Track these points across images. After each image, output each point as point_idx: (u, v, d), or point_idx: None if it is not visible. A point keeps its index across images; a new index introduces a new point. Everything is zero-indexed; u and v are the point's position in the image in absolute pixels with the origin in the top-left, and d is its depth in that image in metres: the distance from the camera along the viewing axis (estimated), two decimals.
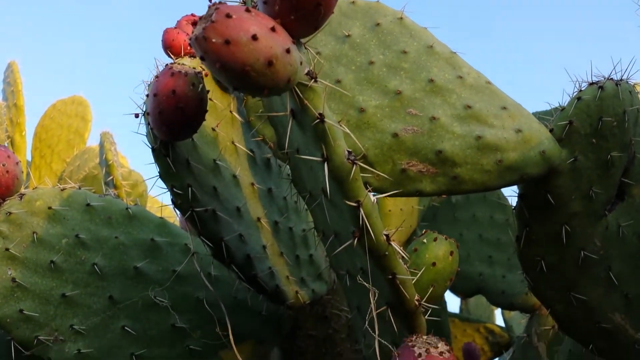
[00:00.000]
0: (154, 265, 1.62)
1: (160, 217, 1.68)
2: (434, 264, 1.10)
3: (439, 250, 1.12)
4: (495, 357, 3.69)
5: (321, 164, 0.84)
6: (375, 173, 1.18)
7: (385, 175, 1.14)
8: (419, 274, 1.07)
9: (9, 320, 1.42)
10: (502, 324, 3.96)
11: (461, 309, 4.41)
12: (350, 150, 0.84)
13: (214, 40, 0.71)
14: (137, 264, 1.59)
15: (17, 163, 1.51)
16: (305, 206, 1.74)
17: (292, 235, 1.63)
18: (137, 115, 1.26)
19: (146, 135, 1.27)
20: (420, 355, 0.81)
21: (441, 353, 0.82)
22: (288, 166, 1.24)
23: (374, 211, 0.87)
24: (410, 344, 0.83)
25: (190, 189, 1.25)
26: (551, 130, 1.29)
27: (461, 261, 2.45)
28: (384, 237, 0.88)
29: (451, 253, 1.13)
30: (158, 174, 1.27)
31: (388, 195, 1.20)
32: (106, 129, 2.63)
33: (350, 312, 1.27)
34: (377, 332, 0.76)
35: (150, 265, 1.61)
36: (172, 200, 1.27)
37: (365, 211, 0.85)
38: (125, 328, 1.54)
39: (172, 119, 1.15)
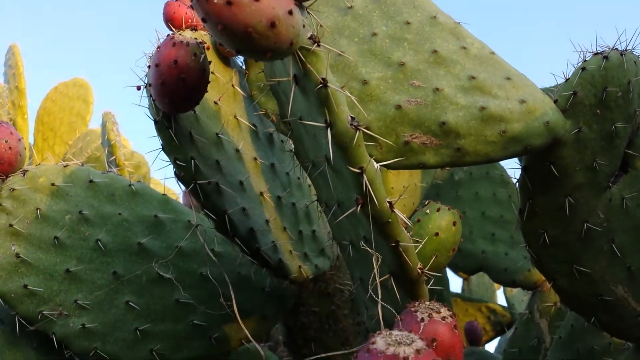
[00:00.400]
0: (158, 241, 1.62)
1: (163, 194, 1.68)
2: (437, 234, 1.10)
3: (442, 220, 1.12)
4: (497, 337, 3.71)
5: (324, 130, 0.83)
6: (379, 143, 1.18)
7: (389, 142, 1.13)
8: (421, 244, 1.07)
9: (13, 296, 1.43)
10: (505, 303, 3.98)
11: (463, 289, 4.43)
12: (353, 116, 0.84)
13: (215, 1, 0.70)
14: (140, 240, 1.59)
15: (19, 140, 1.51)
16: (309, 182, 1.74)
17: (295, 211, 1.63)
18: (139, 88, 1.25)
19: (148, 108, 1.26)
20: (422, 320, 0.81)
21: (444, 318, 0.82)
22: (290, 140, 1.23)
23: (377, 178, 0.86)
24: (412, 309, 0.83)
25: (193, 161, 1.25)
26: (555, 101, 1.28)
27: (464, 239, 2.46)
28: (387, 204, 0.88)
29: (454, 223, 1.13)
30: (161, 147, 1.27)
31: (388, 166, 1.20)
32: (108, 110, 2.62)
33: (353, 283, 1.27)
34: (380, 297, 0.76)
35: (154, 241, 1.61)
36: (175, 173, 1.27)
37: (369, 177, 0.84)
38: (130, 303, 1.54)
39: (174, 90, 1.14)
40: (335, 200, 1.00)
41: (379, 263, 0.83)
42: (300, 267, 1.55)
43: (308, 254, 1.62)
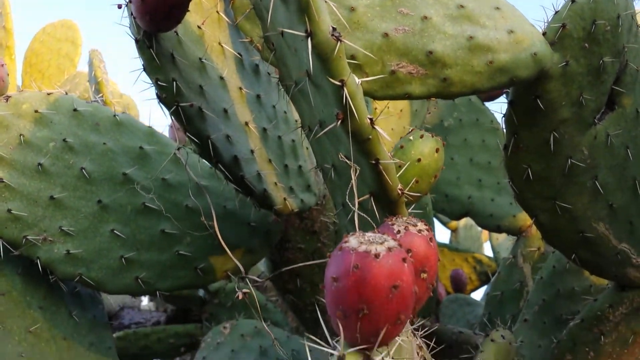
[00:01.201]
0: (143, 172, 1.62)
1: (149, 126, 1.67)
2: (419, 160, 1.10)
3: (425, 147, 1.12)
4: (482, 286, 3.76)
5: (305, 42, 0.82)
6: (365, 72, 1.17)
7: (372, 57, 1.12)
8: (403, 169, 1.07)
9: None
10: (491, 255, 4.03)
11: (451, 240, 4.48)
12: (334, 27, 0.83)
13: None
14: (125, 170, 1.59)
15: (2, 65, 1.49)
16: (296, 117, 1.73)
17: (281, 144, 1.62)
18: (120, 6, 1.23)
19: (129, 27, 1.24)
20: (399, 232, 0.82)
21: (420, 230, 0.82)
22: (275, 68, 1.22)
23: (359, 92, 0.86)
24: (389, 222, 0.84)
25: (175, 83, 1.24)
26: (544, 34, 1.27)
27: (451, 184, 2.48)
28: (368, 120, 0.88)
29: (437, 150, 1.13)
30: (142, 67, 1.25)
31: (374, 95, 1.20)
32: (95, 47, 2.58)
33: (335, 210, 1.28)
34: (356, 206, 0.77)
35: (139, 172, 1.61)
36: (157, 94, 1.26)
37: (349, 91, 0.84)
38: (115, 231, 1.55)
39: (155, 7, 1.12)
40: (317, 120, 0.99)
41: (357, 174, 0.83)
42: (285, 199, 1.55)
43: (294, 188, 1.63)
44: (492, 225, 2.40)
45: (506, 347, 1.66)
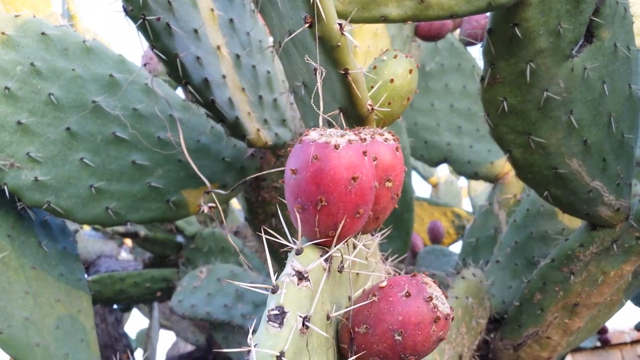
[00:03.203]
0: (113, 101, 1.58)
1: (119, 54, 1.62)
2: (392, 80, 1.08)
3: (399, 67, 1.09)
4: (460, 239, 3.80)
5: None
6: None
7: None
8: (375, 88, 1.05)
9: None
10: (471, 210, 4.06)
11: (431, 195, 4.50)
12: None
13: None
14: (95, 98, 1.55)
15: None
16: (272, 50, 1.69)
17: (256, 74, 1.59)
18: None
19: None
20: (365, 140, 0.80)
21: (386, 140, 0.80)
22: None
23: None
24: (356, 131, 0.82)
25: None
26: None
27: (430, 130, 2.47)
28: (337, 25, 0.85)
29: (410, 71, 1.10)
30: None
31: (350, 19, 1.16)
32: None
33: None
34: (321, 109, 0.74)
35: (109, 100, 1.57)
36: (123, 7, 1.21)
37: None
38: (84, 160, 1.52)
39: None
40: (286, 30, 0.96)
41: (322, 76, 0.81)
42: (258, 130, 1.53)
43: (268, 121, 1.60)
44: (470, 171, 2.40)
45: (476, 284, 1.68)
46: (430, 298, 0.65)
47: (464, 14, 1.22)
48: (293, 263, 0.63)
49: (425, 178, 4.39)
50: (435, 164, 2.47)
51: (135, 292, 2.83)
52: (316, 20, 0.83)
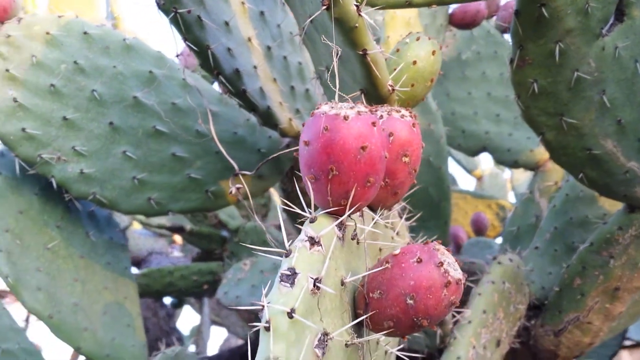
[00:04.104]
0: (153, 96, 1.64)
1: (158, 51, 1.69)
2: (414, 62, 1.09)
3: (421, 49, 1.11)
4: None
5: None
6: None
7: None
8: (396, 70, 1.07)
9: (13, 138, 1.48)
10: (515, 201, 3.99)
11: (476, 188, 4.45)
12: None
13: None
14: (135, 93, 1.62)
15: None
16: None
17: (287, 65, 1.63)
18: None
19: None
20: (382, 116, 0.82)
21: (402, 116, 0.83)
22: None
23: None
24: (374, 109, 0.84)
25: None
26: None
27: (468, 119, 2.46)
28: (354, 6, 0.87)
29: (433, 52, 1.12)
30: None
31: (374, 4, 1.18)
32: None
33: None
34: (337, 87, 0.77)
35: (149, 95, 1.64)
36: (156, 1, 1.27)
37: None
38: (127, 153, 1.59)
39: None
40: (307, 14, 0.99)
41: (338, 56, 0.83)
42: (290, 119, 1.56)
43: (300, 111, 1.63)
44: (510, 160, 2.37)
45: (513, 269, 1.67)
46: (441, 263, 0.67)
47: None
48: (306, 230, 0.66)
49: (469, 171, 4.35)
50: (474, 153, 2.45)
51: (183, 284, 2.92)
52: (332, 3, 0.86)
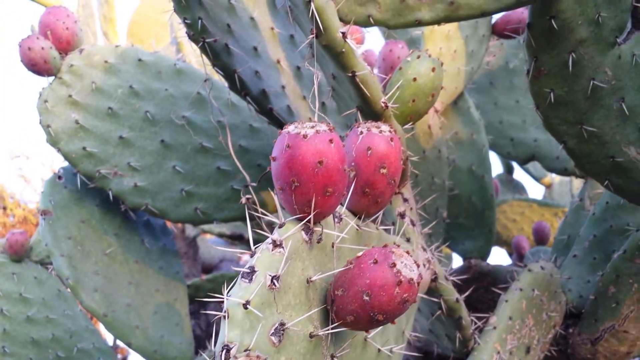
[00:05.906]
0: (200, 115, 1.80)
1: (206, 73, 1.84)
2: (414, 79, 1.17)
3: (421, 66, 1.18)
4: None
5: None
6: (378, 2, 1.24)
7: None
8: (396, 87, 1.15)
9: (74, 156, 1.67)
10: None
11: (544, 196, 4.36)
12: None
13: None
14: (185, 113, 1.77)
15: (75, 22, 1.71)
16: None
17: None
18: None
19: None
20: (362, 132, 0.91)
21: (381, 131, 0.90)
22: None
23: (328, 8, 0.95)
24: (357, 126, 0.93)
25: (200, 21, 1.38)
26: None
27: (516, 128, 2.46)
28: (340, 34, 0.97)
29: (433, 69, 1.19)
30: (173, 9, 1.42)
31: (387, 24, 1.27)
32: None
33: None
34: (317, 107, 0.87)
35: (197, 115, 1.79)
36: (187, 32, 1.41)
37: (316, 6, 0.93)
38: (176, 167, 1.75)
39: None
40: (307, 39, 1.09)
41: (318, 80, 0.93)
42: None
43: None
44: (559, 167, 2.36)
45: (544, 277, 1.68)
46: (394, 264, 0.75)
47: (494, 11, 1.28)
48: (273, 234, 0.76)
49: (538, 179, 4.27)
50: (523, 161, 2.45)
51: None
52: (321, 31, 0.96)
